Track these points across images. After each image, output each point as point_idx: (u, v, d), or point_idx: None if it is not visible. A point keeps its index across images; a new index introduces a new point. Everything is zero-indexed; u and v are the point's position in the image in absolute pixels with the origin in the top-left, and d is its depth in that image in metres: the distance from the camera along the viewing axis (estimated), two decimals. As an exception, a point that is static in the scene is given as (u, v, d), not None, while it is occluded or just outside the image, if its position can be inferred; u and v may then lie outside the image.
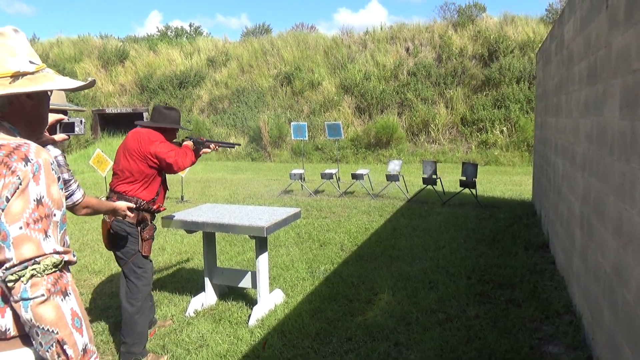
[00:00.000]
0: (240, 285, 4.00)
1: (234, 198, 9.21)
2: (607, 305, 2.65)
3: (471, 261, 4.90)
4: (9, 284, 1.09)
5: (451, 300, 3.91)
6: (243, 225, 3.55)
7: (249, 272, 3.96)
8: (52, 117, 1.70)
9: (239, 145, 4.04)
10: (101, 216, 3.12)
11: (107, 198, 3.22)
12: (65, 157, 2.50)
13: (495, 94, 16.13)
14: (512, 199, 8.29)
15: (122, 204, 2.83)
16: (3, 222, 1.09)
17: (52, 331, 1.10)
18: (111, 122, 20.43)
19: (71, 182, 2.46)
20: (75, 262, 1.20)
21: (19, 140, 1.19)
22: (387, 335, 3.37)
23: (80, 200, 2.48)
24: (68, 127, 1.71)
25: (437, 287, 4.21)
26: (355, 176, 9.12)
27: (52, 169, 1.18)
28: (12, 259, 1.08)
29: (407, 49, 19.14)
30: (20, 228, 1.09)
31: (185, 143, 3.46)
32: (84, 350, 1.16)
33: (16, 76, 1.23)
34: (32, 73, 1.26)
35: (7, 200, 1.09)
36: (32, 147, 1.18)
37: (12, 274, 1.08)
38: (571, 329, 3.33)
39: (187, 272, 4.97)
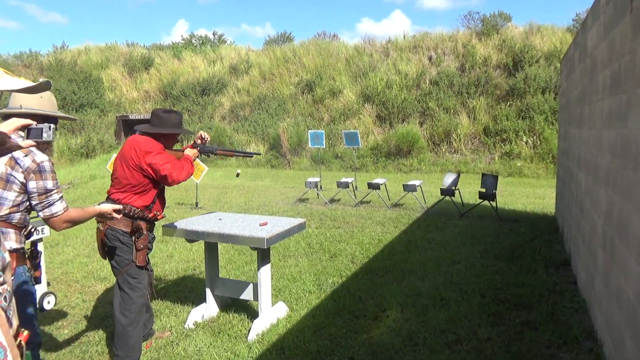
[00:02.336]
0: (242, 297, 3.87)
1: (249, 205, 9.12)
2: (629, 334, 2.42)
3: (487, 278, 4.66)
4: None
5: (462, 320, 3.69)
6: (244, 236, 3.42)
7: (251, 284, 3.82)
8: (19, 122, 1.60)
9: (259, 154, 3.90)
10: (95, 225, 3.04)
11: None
12: (52, 164, 2.40)
13: (520, 104, 15.74)
14: (534, 213, 7.98)
15: (107, 207, 2.70)
16: None
17: None
18: (132, 127, 20.71)
19: (53, 192, 2.34)
20: None
21: None
22: (392, 357, 3.19)
23: (59, 213, 2.34)
24: (35, 133, 1.61)
25: (449, 305, 4.00)
26: (371, 185, 8.93)
27: None
28: None
29: (430, 58, 18.90)
30: None
31: (187, 153, 3.33)
32: None
33: None
34: None
35: None
36: None
37: None
38: (591, 358, 3.09)
39: (191, 281, 4.87)
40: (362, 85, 18.54)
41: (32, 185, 2.27)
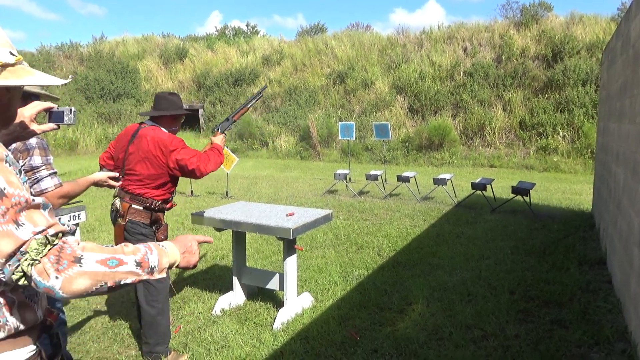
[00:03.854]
0: (268, 286, 3.91)
1: (278, 196, 9.20)
2: (664, 336, 2.33)
3: (517, 275, 4.56)
4: (20, 282, 1.05)
5: (490, 317, 3.63)
6: (270, 226, 3.45)
7: (277, 274, 3.86)
8: (41, 106, 1.64)
9: (265, 87, 3.83)
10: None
11: (115, 197, 3.18)
12: (44, 141, 2.40)
13: (558, 97, 15.24)
14: (569, 209, 7.74)
15: (101, 175, 2.52)
16: None
17: (102, 286, 1.11)
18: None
19: (41, 169, 2.30)
20: (68, 230, 1.13)
21: None
22: (416, 350, 3.16)
23: (50, 189, 2.27)
24: (57, 117, 1.64)
25: (476, 301, 3.94)
26: (400, 178, 8.85)
27: (7, 162, 1.10)
28: None
29: (465, 49, 18.50)
30: None
31: (215, 141, 3.34)
32: (139, 265, 1.17)
33: None
34: (13, 65, 1.19)
35: None
36: None
37: (12, 273, 1.04)
38: (624, 359, 2.99)
39: (219, 269, 4.95)
40: (394, 76, 18.33)
41: (19, 164, 2.31)
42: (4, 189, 1.06)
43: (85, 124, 19.77)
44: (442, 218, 7.18)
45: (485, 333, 3.39)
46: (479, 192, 7.90)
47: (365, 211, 7.75)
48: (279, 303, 3.95)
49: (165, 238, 3.16)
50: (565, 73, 15.29)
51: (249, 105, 3.65)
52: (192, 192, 9.64)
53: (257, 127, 18.57)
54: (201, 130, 20.56)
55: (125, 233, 3.11)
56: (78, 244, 1.11)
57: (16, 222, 1.05)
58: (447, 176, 8.57)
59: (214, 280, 4.62)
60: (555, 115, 14.89)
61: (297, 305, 3.80)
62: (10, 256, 1.04)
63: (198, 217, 3.77)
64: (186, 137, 19.13)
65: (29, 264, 1.04)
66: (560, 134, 14.56)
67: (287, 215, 3.69)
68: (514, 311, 3.73)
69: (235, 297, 4.01)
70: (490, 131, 15.54)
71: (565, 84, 15.23)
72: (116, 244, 3.09)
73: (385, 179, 10.37)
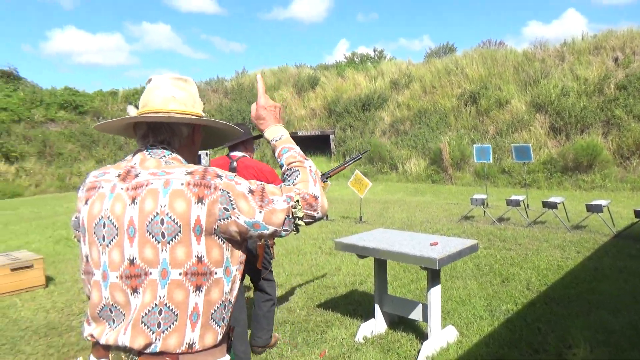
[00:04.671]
0: (411, 316, 3.84)
1: (411, 221, 9.07)
2: None
3: (703, 321, 3.89)
4: (300, 222, 1.31)
5: (672, 369, 3.14)
6: (414, 255, 3.40)
7: (420, 304, 3.78)
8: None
9: (366, 152, 3.82)
10: None
11: None
12: None
13: None
14: None
15: None
16: (248, 220, 1.26)
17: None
18: (300, 143, 22.10)
19: None
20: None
21: (198, 165, 1.35)
22: (582, 401, 2.85)
23: None
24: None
25: (652, 349, 3.44)
26: (547, 204, 8.16)
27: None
28: (275, 230, 1.29)
29: (616, 59, 16.68)
30: (260, 212, 1.26)
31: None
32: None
33: (200, 117, 1.43)
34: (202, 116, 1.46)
35: (227, 210, 1.24)
36: (211, 166, 1.35)
37: (290, 230, 1.31)
38: None
39: (359, 295, 5.00)
40: (532, 94, 17.16)
41: None
42: (251, 186, 1.30)
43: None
44: (600, 250, 6.44)
45: (669, 389, 2.93)
46: (643, 220, 6.97)
47: (508, 240, 7.27)
48: (421, 334, 3.85)
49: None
50: None
51: (346, 166, 3.73)
52: (327, 216, 9.95)
53: (387, 151, 18.62)
54: (332, 155, 21.23)
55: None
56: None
57: (272, 201, 1.28)
58: (603, 202, 7.70)
59: (354, 305, 4.67)
60: None
61: (442, 338, 3.66)
62: (280, 225, 1.28)
63: (341, 244, 3.87)
64: (318, 162, 19.92)
65: (298, 219, 1.30)
66: None
67: (430, 245, 3.62)
68: None
69: (377, 325, 4.00)
70: (651, 150, 13.68)
71: None
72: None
73: (527, 205, 9.66)
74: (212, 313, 1.25)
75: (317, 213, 1.32)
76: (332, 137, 21.54)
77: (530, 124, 16.40)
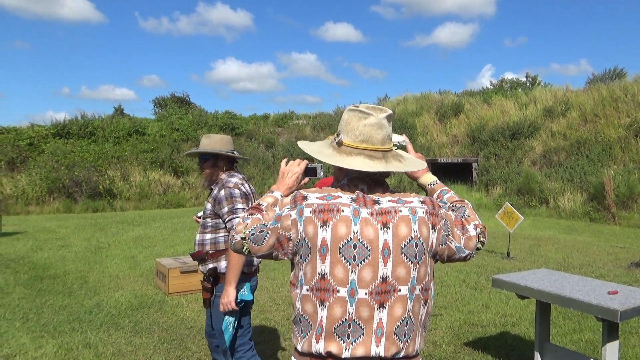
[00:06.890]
0: (579, 371, 3.43)
1: (568, 262, 8.19)
2: None
3: None
4: (481, 247, 1.56)
5: None
6: (589, 303, 3.04)
7: (592, 359, 3.36)
8: (304, 163, 1.78)
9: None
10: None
11: None
12: (237, 189, 2.72)
13: None
14: None
15: None
16: (457, 244, 1.49)
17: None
18: (440, 171, 21.60)
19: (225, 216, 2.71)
20: None
21: (423, 195, 1.54)
22: None
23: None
24: (311, 171, 1.81)
25: None
26: None
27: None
28: (469, 253, 1.52)
29: None
30: (461, 238, 1.51)
31: None
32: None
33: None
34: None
35: (447, 235, 1.48)
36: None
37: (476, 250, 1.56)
38: None
39: (512, 338, 4.62)
40: None
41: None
42: (456, 217, 1.57)
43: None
44: None
45: None
46: None
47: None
48: (590, 394, 3.41)
49: None
50: None
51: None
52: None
53: (537, 182, 17.21)
54: (474, 184, 20.29)
55: None
56: None
57: (468, 230, 1.55)
58: None
59: (506, 349, 4.32)
60: None
61: (618, 402, 3.20)
62: (475, 247, 1.54)
63: (500, 281, 3.63)
64: (458, 190, 19.18)
65: (482, 244, 1.55)
66: None
67: (608, 293, 3.21)
68: None
69: (536, 375, 3.65)
70: None
71: None
72: None
73: None
74: (424, 321, 1.49)
75: (486, 240, 1.54)
76: (474, 165, 20.63)
77: None
